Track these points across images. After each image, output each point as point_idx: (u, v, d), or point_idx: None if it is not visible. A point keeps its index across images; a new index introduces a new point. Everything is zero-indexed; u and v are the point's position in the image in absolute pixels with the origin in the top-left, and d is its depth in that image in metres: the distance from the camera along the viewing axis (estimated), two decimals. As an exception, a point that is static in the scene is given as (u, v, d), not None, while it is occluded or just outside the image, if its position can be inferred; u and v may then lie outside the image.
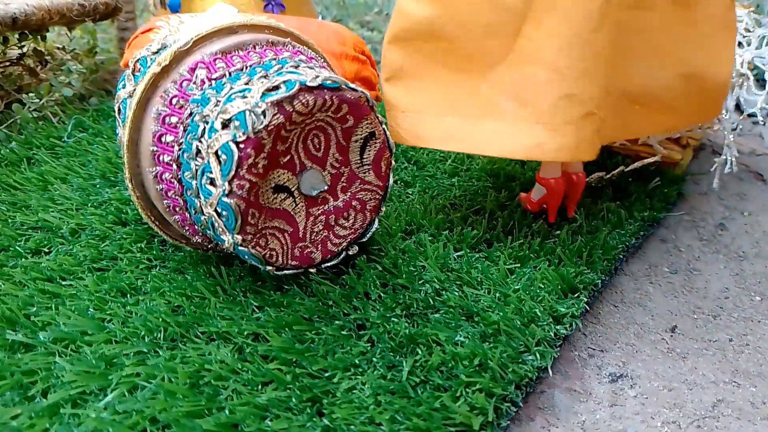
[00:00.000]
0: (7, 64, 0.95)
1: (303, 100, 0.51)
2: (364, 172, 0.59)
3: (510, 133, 0.59)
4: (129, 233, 0.68)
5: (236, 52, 0.57)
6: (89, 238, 0.68)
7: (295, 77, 0.52)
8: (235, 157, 0.50)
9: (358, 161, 0.58)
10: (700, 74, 0.66)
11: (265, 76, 0.54)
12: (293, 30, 0.62)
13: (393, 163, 0.60)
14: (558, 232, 0.71)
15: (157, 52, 0.64)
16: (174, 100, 0.55)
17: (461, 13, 0.62)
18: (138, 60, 0.64)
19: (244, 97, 0.51)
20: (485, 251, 0.66)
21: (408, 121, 0.64)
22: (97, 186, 0.76)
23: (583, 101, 0.57)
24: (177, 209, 0.58)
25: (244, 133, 0.49)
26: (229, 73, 0.55)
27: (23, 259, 0.64)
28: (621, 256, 0.71)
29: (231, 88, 0.53)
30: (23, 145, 0.85)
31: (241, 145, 0.50)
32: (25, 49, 0.98)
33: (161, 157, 0.56)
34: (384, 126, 0.58)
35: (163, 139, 0.55)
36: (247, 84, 0.53)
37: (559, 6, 0.56)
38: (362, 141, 0.58)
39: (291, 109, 0.51)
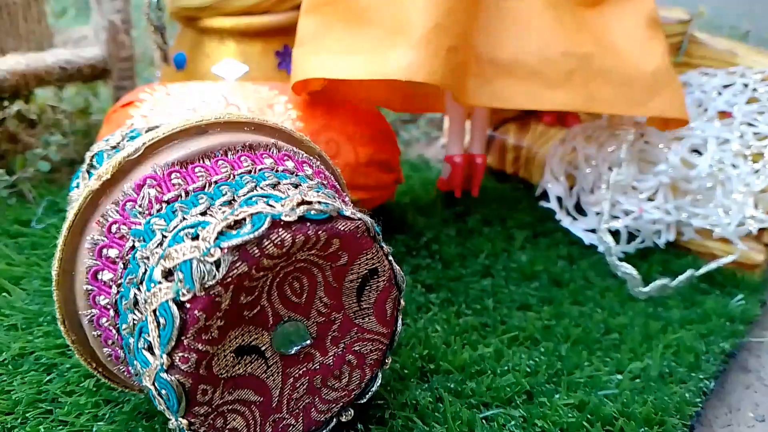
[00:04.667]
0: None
1: (276, 241, 0.38)
2: (363, 318, 0.45)
3: (390, 58, 0.64)
4: (78, 364, 0.55)
5: (200, 162, 0.44)
6: (33, 367, 0.55)
7: (267, 208, 0.38)
8: (177, 323, 0.36)
9: (355, 304, 0.44)
10: (601, 58, 0.71)
11: (230, 202, 0.41)
12: (282, 126, 0.49)
13: (402, 303, 0.46)
14: (619, 377, 0.56)
15: (116, 147, 0.52)
16: (114, 228, 0.42)
17: None
18: (94, 155, 0.52)
19: (195, 236, 0.38)
20: (523, 409, 0.51)
21: (303, 63, 0.68)
22: (56, 292, 0.64)
23: (450, 35, 0.64)
24: (119, 360, 0.45)
25: (189, 290, 0.36)
26: (186, 193, 0.42)
27: (-56, 401, 0.51)
28: (700, 408, 0.55)
29: (182, 219, 0.40)
30: (-15, 230, 0.73)
31: (187, 306, 0.36)
32: (7, 111, 0.87)
33: (97, 298, 0.43)
34: (390, 258, 0.45)
35: (99, 276, 0.42)
36: (203, 215, 0.40)
37: None
38: (360, 280, 0.44)
39: (258, 254, 0.37)
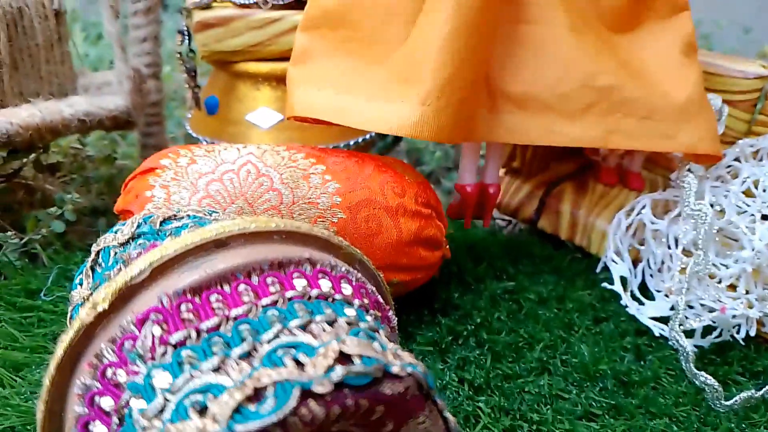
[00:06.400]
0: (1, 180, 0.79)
1: (306, 418, 0.30)
2: (409, 484, 0.37)
3: (397, 112, 0.61)
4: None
5: (218, 287, 0.36)
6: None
7: (295, 373, 0.30)
8: None
9: (400, 472, 0.36)
10: (625, 89, 0.65)
11: (250, 353, 0.33)
12: (318, 231, 0.41)
13: (456, 465, 0.38)
14: None
15: (125, 244, 0.45)
16: (108, 372, 0.34)
17: (365, 0, 0.65)
18: (101, 250, 0.45)
19: (203, 407, 0.30)
20: None
21: (304, 95, 0.65)
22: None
23: (463, 86, 0.61)
24: None
25: (192, 490, 0.28)
26: (197, 333, 0.34)
27: None
28: None
29: (190, 377, 0.32)
30: (-10, 300, 0.67)
31: (188, 507, 0.29)
32: (25, 161, 0.81)
33: (88, 453, 0.35)
34: (446, 414, 0.36)
35: (90, 428, 0.35)
36: (216, 371, 0.32)
37: None
38: (408, 446, 0.36)
39: (282, 436, 0.29)
